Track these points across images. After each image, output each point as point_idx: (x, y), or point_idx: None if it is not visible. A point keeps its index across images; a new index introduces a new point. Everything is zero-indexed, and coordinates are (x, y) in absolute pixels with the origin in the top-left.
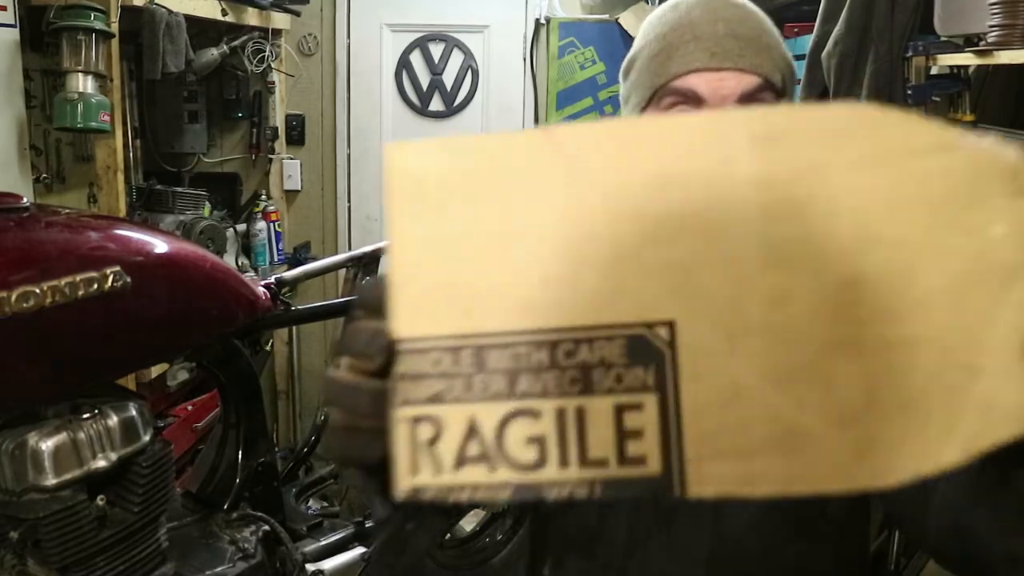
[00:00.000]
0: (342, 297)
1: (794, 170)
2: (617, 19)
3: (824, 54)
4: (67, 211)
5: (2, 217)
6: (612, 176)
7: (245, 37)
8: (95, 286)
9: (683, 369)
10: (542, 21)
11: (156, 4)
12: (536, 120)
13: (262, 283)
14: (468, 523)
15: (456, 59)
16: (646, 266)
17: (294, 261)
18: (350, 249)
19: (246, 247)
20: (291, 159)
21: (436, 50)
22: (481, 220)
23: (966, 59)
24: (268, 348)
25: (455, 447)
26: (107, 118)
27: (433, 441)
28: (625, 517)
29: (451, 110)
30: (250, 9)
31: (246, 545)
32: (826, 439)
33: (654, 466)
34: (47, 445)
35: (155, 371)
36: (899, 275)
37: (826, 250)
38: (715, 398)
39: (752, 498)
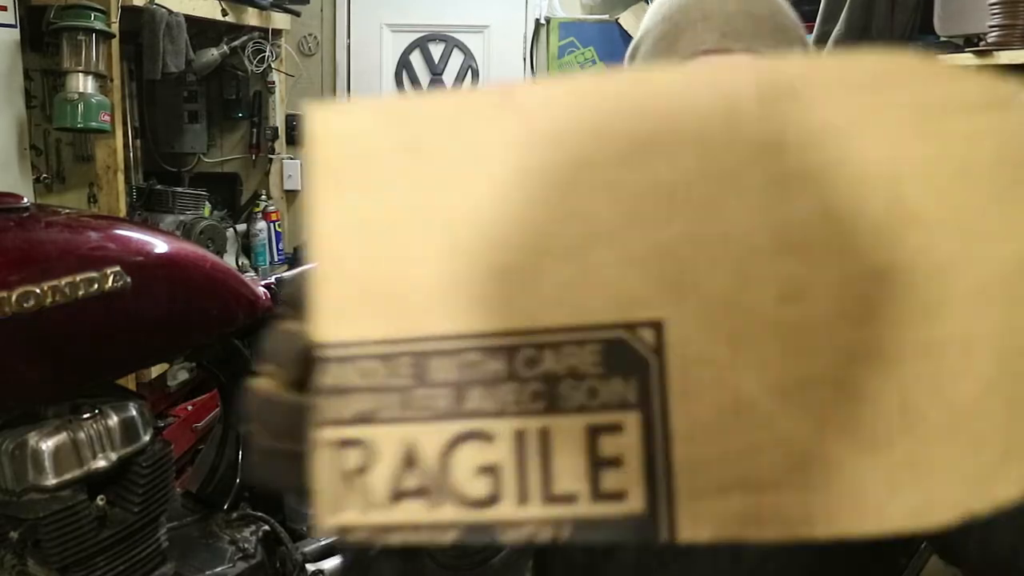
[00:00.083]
0: None
1: (811, 132)
2: (617, 19)
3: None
4: (67, 211)
5: (2, 217)
6: (584, 144)
7: (245, 37)
8: (95, 286)
9: (672, 381)
10: (542, 21)
11: (156, 4)
12: None
13: (262, 283)
14: None
15: (456, 59)
16: (626, 252)
17: (294, 261)
18: None
19: (246, 247)
20: (291, 159)
21: (436, 50)
22: (423, 198)
23: (966, 59)
24: None
25: (389, 478)
26: (107, 118)
27: (362, 470)
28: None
29: None
30: (250, 9)
31: (246, 545)
32: (853, 468)
33: (636, 503)
34: (47, 445)
35: (155, 371)
36: (942, 262)
37: (851, 232)
38: (713, 417)
39: (760, 542)
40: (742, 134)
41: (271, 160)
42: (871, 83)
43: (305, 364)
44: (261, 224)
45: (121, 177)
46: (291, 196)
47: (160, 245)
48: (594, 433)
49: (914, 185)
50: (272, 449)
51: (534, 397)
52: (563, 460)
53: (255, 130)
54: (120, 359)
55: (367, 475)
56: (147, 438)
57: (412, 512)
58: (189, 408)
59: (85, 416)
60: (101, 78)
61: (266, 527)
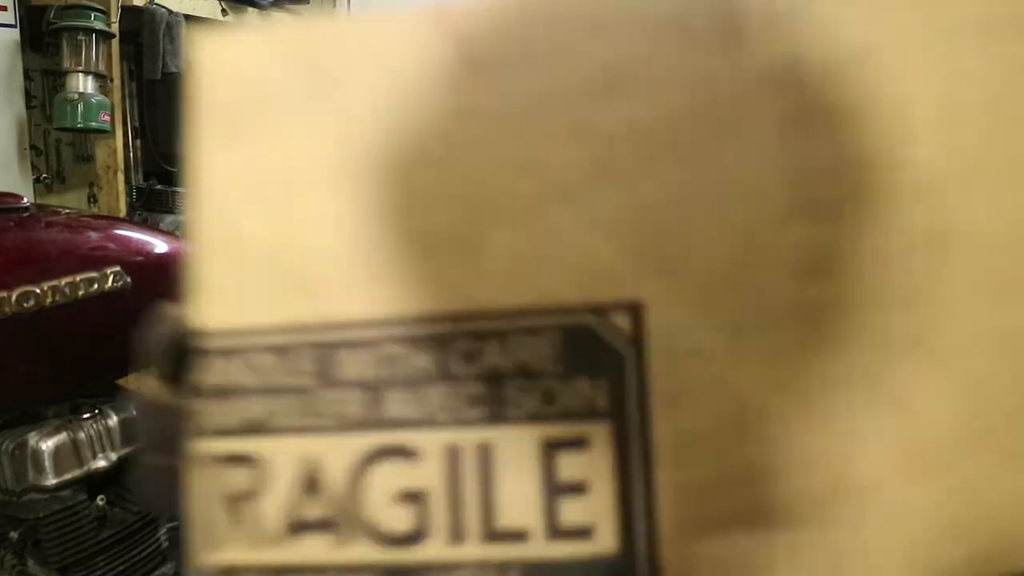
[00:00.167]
0: None
1: (836, 57)
2: None
3: None
4: (67, 211)
5: (2, 217)
6: (541, 76)
7: None
8: (95, 286)
9: (655, 382)
10: None
11: (156, 4)
12: None
13: None
14: None
15: None
16: (593, 213)
17: None
18: None
19: None
20: None
21: None
22: (334, 151)
23: None
24: None
25: (285, 505)
26: (107, 118)
27: (251, 495)
28: None
29: None
30: (250, 10)
31: None
32: (896, 495)
33: (606, 542)
34: (47, 445)
35: None
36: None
37: (892, 186)
38: (707, 429)
39: None
40: (740, 62)
41: None
42: None
43: (171, 358)
44: None
45: (121, 177)
46: None
47: (160, 245)
48: (551, 450)
49: (970, 131)
50: (153, 465)
51: (472, 402)
52: (510, 485)
53: None
54: (120, 359)
55: (257, 501)
56: None
57: (314, 550)
58: None
59: (85, 416)
60: (101, 78)
61: None
